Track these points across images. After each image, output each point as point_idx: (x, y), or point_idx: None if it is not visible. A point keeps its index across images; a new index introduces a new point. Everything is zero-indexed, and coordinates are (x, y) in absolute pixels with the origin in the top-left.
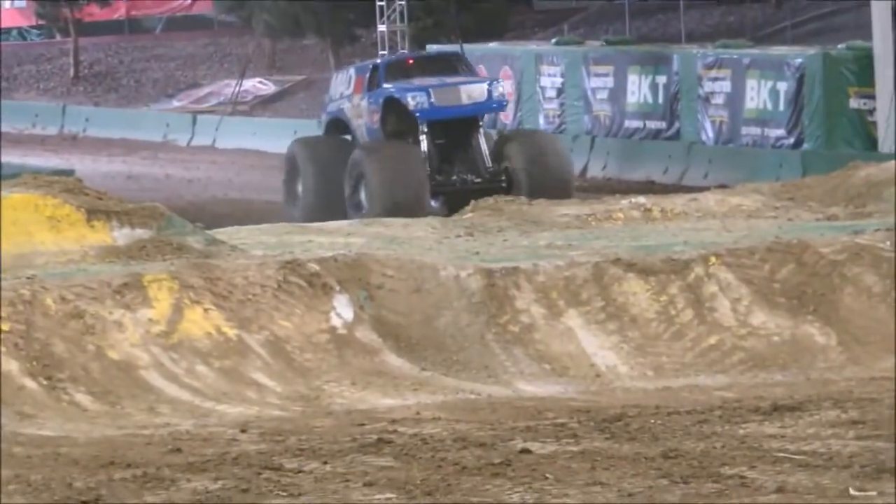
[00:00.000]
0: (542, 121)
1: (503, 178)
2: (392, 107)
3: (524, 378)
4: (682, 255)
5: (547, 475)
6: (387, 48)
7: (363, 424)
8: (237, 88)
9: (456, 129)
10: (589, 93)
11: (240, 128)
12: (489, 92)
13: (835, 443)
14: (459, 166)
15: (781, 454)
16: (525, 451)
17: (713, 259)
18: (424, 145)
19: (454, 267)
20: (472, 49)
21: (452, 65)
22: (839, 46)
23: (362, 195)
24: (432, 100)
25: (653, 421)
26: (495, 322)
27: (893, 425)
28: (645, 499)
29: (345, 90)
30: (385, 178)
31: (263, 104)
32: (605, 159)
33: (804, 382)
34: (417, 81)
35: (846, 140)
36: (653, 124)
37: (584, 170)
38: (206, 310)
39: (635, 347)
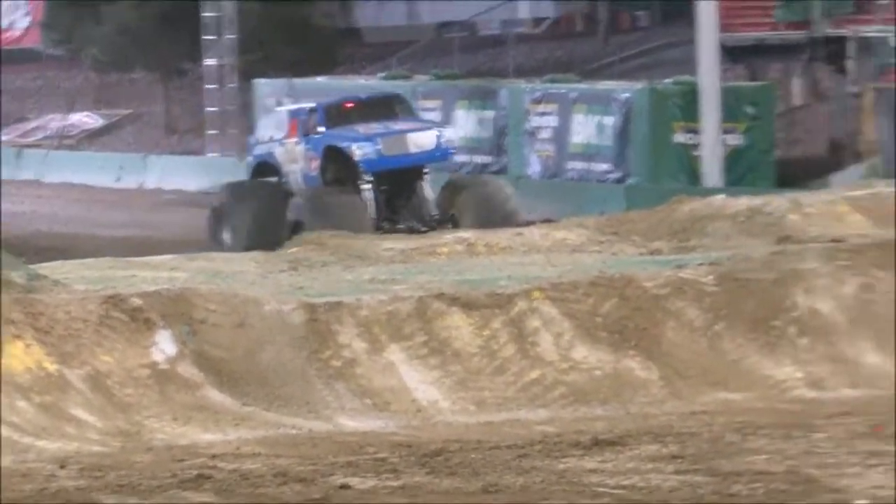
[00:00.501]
0: None
1: (450, 225)
2: (333, 154)
3: (345, 413)
4: (505, 289)
5: None
6: (215, 81)
7: (183, 460)
8: (63, 122)
9: (401, 176)
10: None
11: (66, 162)
12: (437, 139)
13: (654, 477)
14: (405, 214)
15: (601, 489)
16: (345, 486)
17: (536, 293)
18: (369, 194)
19: (277, 302)
20: (301, 83)
21: (393, 108)
22: (665, 81)
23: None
24: (379, 148)
25: (473, 455)
26: (317, 357)
27: (712, 460)
28: None
29: (276, 133)
30: (329, 228)
31: (90, 138)
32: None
33: (625, 416)
34: (361, 128)
35: (671, 174)
36: (480, 159)
37: None
38: (27, 345)
39: (457, 382)
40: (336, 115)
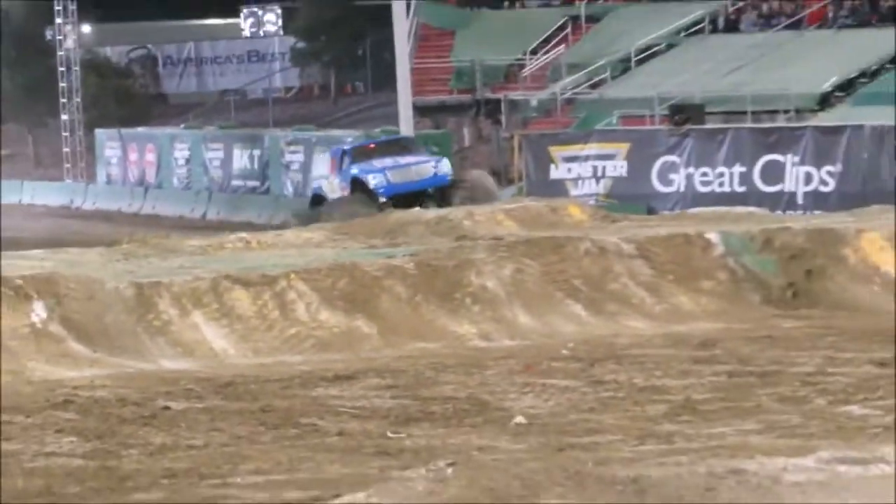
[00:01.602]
0: (175, 181)
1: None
2: (357, 184)
3: (165, 357)
4: (272, 272)
5: (181, 424)
6: (68, 131)
7: (54, 390)
8: None
9: (410, 200)
10: (207, 161)
11: None
12: (434, 169)
13: (377, 401)
14: None
15: (341, 409)
16: (166, 407)
17: (292, 275)
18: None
19: (115, 281)
20: (126, 132)
21: (404, 146)
22: (376, 130)
23: None
24: (389, 178)
25: (253, 386)
26: (144, 319)
27: (416, 388)
28: (248, 440)
29: (323, 171)
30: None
31: None
32: (219, 207)
33: (356, 360)
34: (377, 162)
35: None
36: (251, 183)
37: (204, 215)
38: None
39: (240, 336)
40: (360, 154)
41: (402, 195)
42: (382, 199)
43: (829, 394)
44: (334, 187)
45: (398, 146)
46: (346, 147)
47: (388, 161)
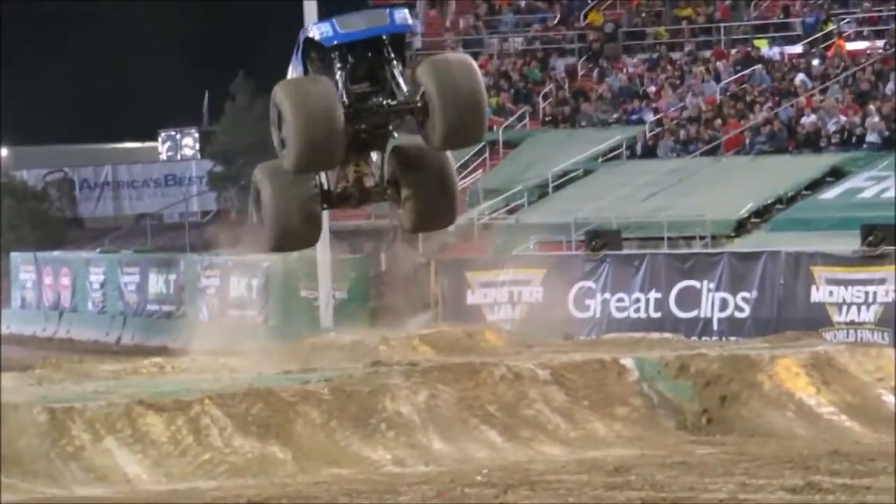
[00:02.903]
0: (90, 305)
1: (417, 99)
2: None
3: (77, 483)
4: (186, 397)
5: None
6: None
7: None
8: None
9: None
10: (122, 285)
11: None
12: (391, 16)
13: None
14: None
15: None
16: None
17: (206, 400)
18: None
19: (28, 406)
20: (41, 255)
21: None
22: (293, 254)
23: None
24: (336, 28)
25: None
26: (57, 444)
27: None
28: None
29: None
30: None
31: None
32: (134, 332)
33: (269, 485)
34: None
35: (298, 319)
36: (167, 307)
37: (119, 340)
38: None
39: (153, 462)
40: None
41: (354, 42)
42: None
43: None
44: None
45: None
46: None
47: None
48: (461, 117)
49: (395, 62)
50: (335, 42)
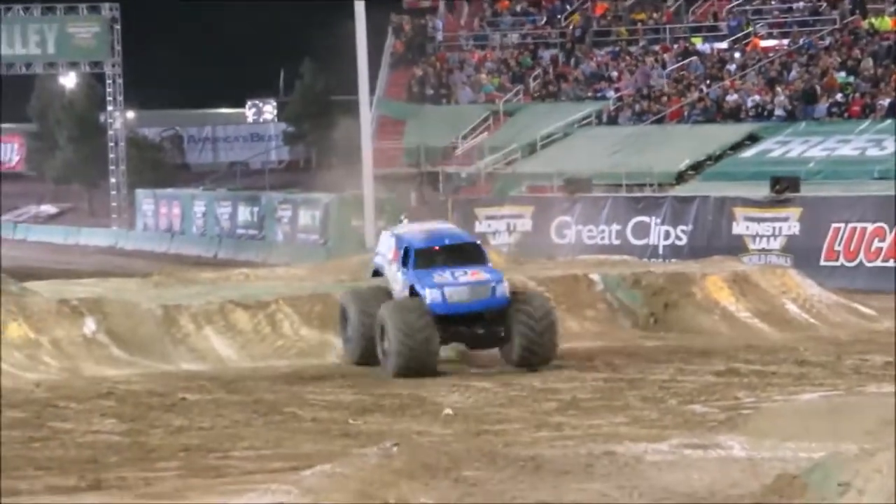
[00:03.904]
0: (194, 229)
1: (501, 329)
2: (414, 291)
3: (184, 361)
4: (265, 298)
5: (194, 410)
6: (116, 190)
7: (100, 384)
8: (37, 209)
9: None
10: (218, 215)
11: (38, 230)
12: (493, 291)
13: (342, 396)
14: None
15: (314, 401)
16: (183, 398)
17: (280, 301)
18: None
19: (147, 303)
20: (159, 192)
21: (468, 254)
22: (345, 193)
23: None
24: (446, 297)
25: (249, 383)
26: (168, 332)
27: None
28: (244, 424)
29: (386, 252)
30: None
31: (51, 218)
32: (226, 249)
33: (326, 365)
34: (437, 275)
35: (349, 242)
36: (251, 231)
37: (216, 255)
38: (18, 324)
39: (240, 346)
40: (423, 256)
41: (454, 316)
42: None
43: (679, 395)
44: (394, 275)
45: (461, 253)
46: (412, 244)
47: (447, 275)
48: (537, 349)
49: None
50: (443, 313)
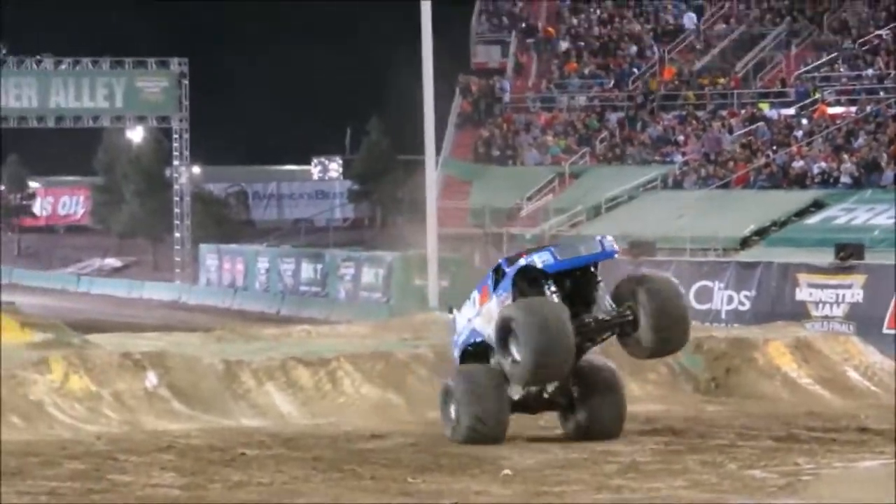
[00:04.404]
0: (257, 285)
1: (629, 314)
2: (520, 278)
3: (245, 417)
4: (327, 355)
5: (253, 466)
6: (180, 245)
7: (161, 438)
8: (101, 262)
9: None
10: (281, 271)
11: (102, 283)
12: (601, 244)
13: (402, 454)
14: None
15: (374, 460)
16: (243, 454)
17: (342, 358)
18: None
19: (209, 358)
20: (223, 247)
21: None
22: (410, 252)
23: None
24: (556, 255)
25: (309, 440)
26: (230, 388)
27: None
28: (303, 480)
29: (470, 315)
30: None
31: (116, 271)
32: (289, 306)
33: (387, 423)
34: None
35: (412, 301)
36: (314, 289)
37: (279, 311)
38: (80, 377)
39: (301, 403)
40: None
41: (568, 270)
42: (550, 288)
43: (739, 460)
44: (492, 312)
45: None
46: (499, 262)
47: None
48: (670, 332)
49: (600, 280)
50: (557, 269)
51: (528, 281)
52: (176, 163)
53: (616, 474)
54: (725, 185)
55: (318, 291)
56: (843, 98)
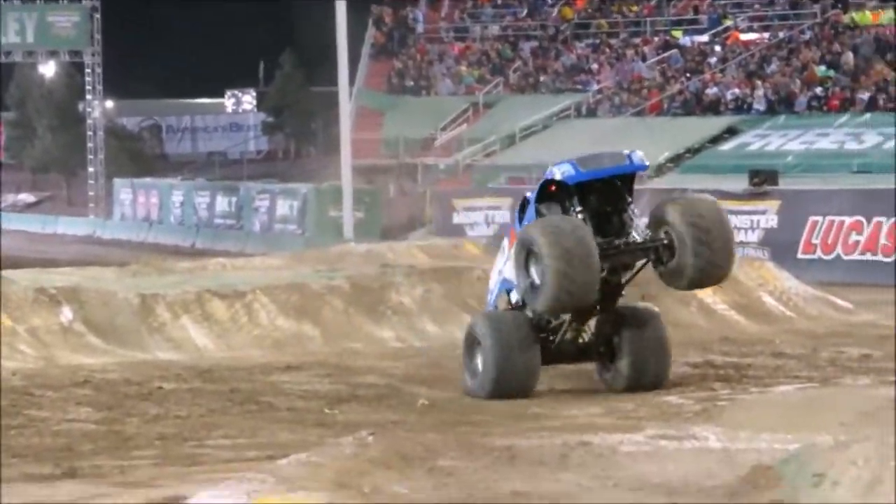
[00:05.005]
0: (172, 219)
1: (664, 238)
2: (545, 210)
3: (160, 350)
4: (242, 288)
5: (170, 399)
6: (94, 179)
7: (76, 372)
8: (15, 198)
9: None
10: (196, 204)
11: (17, 219)
12: (629, 157)
13: (318, 386)
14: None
15: (290, 391)
16: (160, 387)
17: (257, 291)
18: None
19: (124, 292)
20: (137, 181)
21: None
22: (325, 184)
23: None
24: (578, 167)
25: (225, 373)
26: (146, 321)
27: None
28: (220, 413)
29: (501, 264)
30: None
31: (29, 207)
32: (204, 239)
33: (303, 355)
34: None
35: (327, 232)
36: (229, 221)
37: (193, 245)
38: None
39: (217, 336)
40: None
41: (592, 181)
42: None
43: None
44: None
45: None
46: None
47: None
48: (714, 257)
49: (631, 201)
50: (578, 180)
51: (552, 199)
52: (89, 97)
53: (533, 403)
54: (639, 113)
55: (233, 224)
56: (755, 24)
